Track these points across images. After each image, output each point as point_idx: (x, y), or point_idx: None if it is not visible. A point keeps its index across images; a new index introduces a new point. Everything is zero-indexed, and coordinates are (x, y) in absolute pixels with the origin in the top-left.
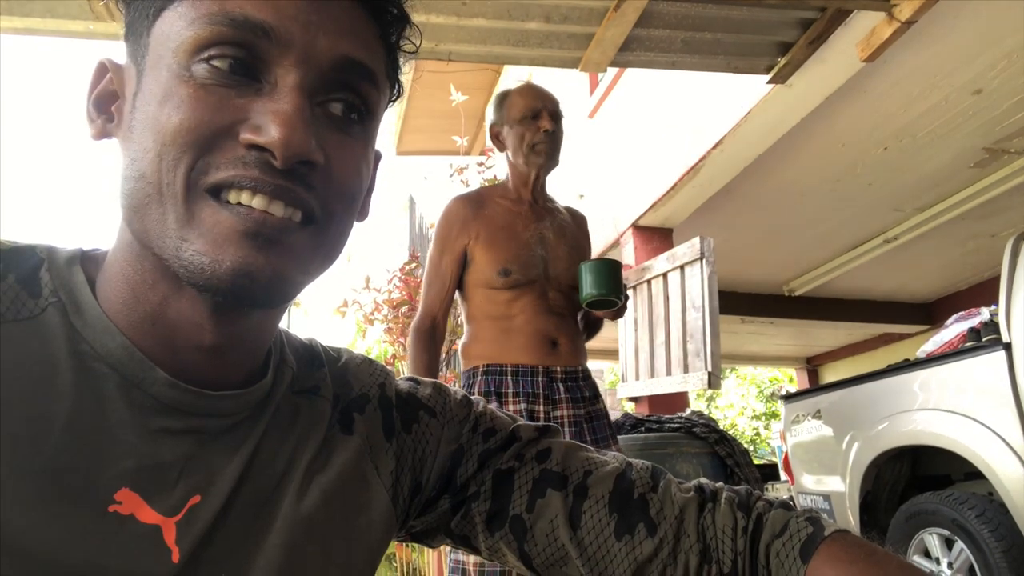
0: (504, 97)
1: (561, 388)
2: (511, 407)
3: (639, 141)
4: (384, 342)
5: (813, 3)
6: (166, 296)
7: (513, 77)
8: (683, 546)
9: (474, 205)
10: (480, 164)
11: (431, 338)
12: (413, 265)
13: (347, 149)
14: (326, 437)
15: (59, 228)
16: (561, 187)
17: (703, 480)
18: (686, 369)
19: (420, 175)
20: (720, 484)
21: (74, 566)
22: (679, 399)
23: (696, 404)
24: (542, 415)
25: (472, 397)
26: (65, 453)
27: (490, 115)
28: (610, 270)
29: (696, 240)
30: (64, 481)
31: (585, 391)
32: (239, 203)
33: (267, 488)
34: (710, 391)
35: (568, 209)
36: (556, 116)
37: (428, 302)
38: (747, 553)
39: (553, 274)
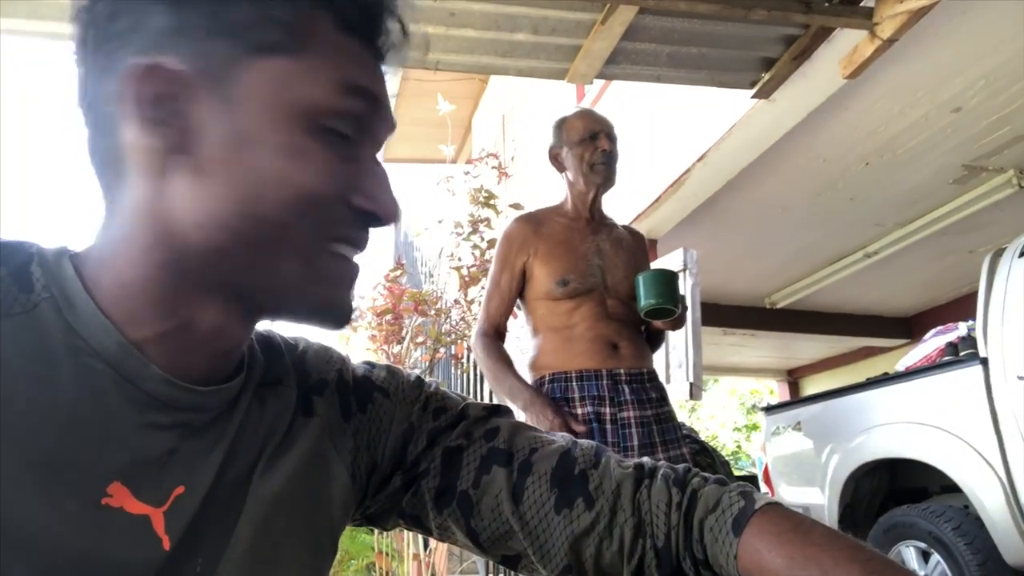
0: (563, 121)
1: (626, 390)
2: (578, 411)
3: (624, 153)
4: (368, 349)
5: (797, 20)
6: (199, 307)
7: (499, 86)
8: (619, 520)
9: (533, 224)
10: (467, 173)
11: (495, 337)
12: (398, 272)
13: None
14: (291, 423)
15: (46, 228)
16: (547, 196)
17: (645, 459)
18: (668, 380)
19: (405, 183)
20: (660, 462)
21: (74, 555)
22: None
23: (678, 415)
24: (608, 417)
25: (425, 378)
26: (64, 446)
27: (549, 138)
28: (666, 279)
29: (680, 251)
30: (62, 474)
31: (651, 392)
32: (342, 254)
33: (242, 475)
34: (692, 402)
35: (626, 227)
36: (612, 138)
37: (489, 314)
38: (681, 528)
39: (611, 283)
